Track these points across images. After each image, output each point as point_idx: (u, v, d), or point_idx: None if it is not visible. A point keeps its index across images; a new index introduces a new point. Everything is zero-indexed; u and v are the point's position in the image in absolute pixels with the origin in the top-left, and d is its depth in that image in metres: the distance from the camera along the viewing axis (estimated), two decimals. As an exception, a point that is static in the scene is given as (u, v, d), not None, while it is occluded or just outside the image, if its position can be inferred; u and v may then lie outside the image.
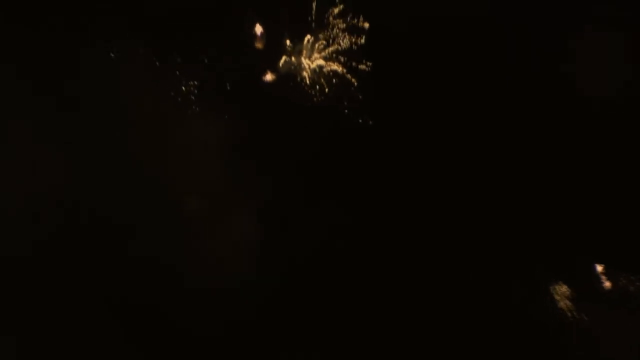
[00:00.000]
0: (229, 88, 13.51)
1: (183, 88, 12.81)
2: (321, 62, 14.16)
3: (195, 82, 12.83)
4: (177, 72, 12.65)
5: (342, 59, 14.13)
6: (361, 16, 13.88)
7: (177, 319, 11.34)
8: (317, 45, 14.10)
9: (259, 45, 13.58)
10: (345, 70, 14.13)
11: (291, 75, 14.06)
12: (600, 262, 13.41)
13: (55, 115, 11.08)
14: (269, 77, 13.90)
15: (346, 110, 14.16)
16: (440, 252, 13.34)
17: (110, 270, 11.19)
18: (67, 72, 11.35)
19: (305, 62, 14.08)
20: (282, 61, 13.99)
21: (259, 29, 13.54)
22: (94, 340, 10.69)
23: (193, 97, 12.92)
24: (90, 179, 11.31)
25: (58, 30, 11.25)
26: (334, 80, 14.18)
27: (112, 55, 11.78)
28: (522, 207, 13.73)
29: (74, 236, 11.13)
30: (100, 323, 10.82)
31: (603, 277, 13.36)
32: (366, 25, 13.90)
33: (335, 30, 14.00)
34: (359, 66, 14.07)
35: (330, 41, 14.10)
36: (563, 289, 13.43)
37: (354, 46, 14.02)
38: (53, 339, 10.53)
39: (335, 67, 14.16)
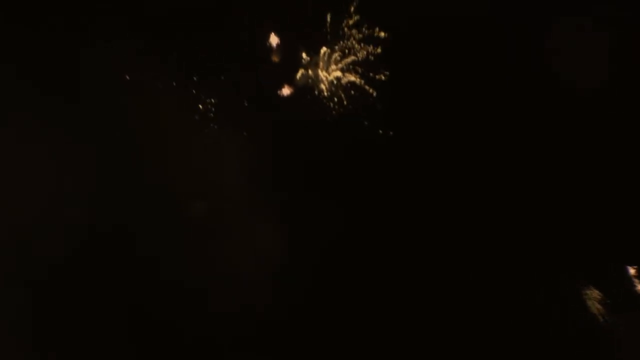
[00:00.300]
0: (246, 104, 12.54)
1: (200, 106, 11.82)
2: (338, 74, 13.55)
3: (213, 100, 11.90)
4: (194, 91, 11.78)
5: (359, 70, 13.59)
6: (377, 26, 13.51)
7: (180, 320, 11.31)
8: (333, 57, 13.51)
9: (275, 58, 12.80)
10: (363, 82, 13.57)
11: (308, 89, 13.34)
12: (632, 265, 13.26)
13: (57, 117, 10.72)
14: (286, 90, 13.04)
15: (366, 122, 13.49)
16: (466, 257, 12.95)
17: (121, 273, 11.11)
18: (68, 73, 11.02)
19: (322, 74, 13.42)
20: (298, 74, 13.23)
21: (274, 42, 12.78)
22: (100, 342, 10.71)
23: (211, 115, 11.93)
24: (101, 188, 11.16)
25: (58, 30, 10.85)
26: (352, 92, 13.55)
27: (128, 77, 11.40)
28: (547, 210, 13.48)
29: (88, 242, 10.97)
30: (107, 325, 10.85)
31: (636, 280, 13.20)
32: (382, 34, 13.53)
33: (351, 41, 13.50)
34: (377, 76, 13.56)
35: (347, 52, 13.57)
36: (595, 293, 13.12)
37: (370, 57, 13.55)
38: (60, 339, 10.51)
39: (353, 78, 13.57)
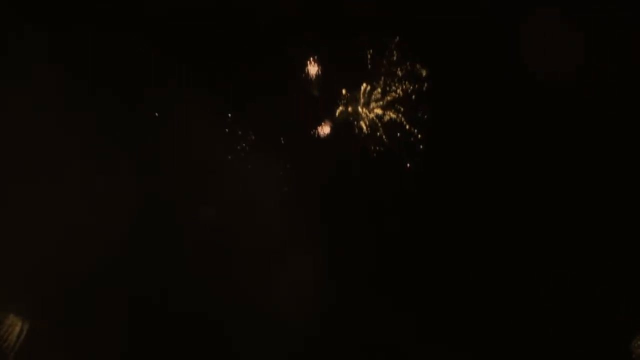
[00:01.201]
0: (283, 142, 11.91)
1: (237, 146, 11.24)
2: (379, 111, 12.93)
3: (251, 137, 11.32)
4: (227, 130, 11.24)
5: (400, 108, 12.98)
6: (418, 63, 12.95)
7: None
8: (374, 94, 12.91)
9: (314, 93, 12.22)
10: (404, 119, 12.94)
11: (349, 126, 12.72)
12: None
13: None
14: (326, 128, 12.41)
15: (408, 164, 12.81)
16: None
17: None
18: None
19: (362, 111, 12.79)
20: (338, 111, 12.63)
21: (314, 77, 12.24)
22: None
23: (245, 154, 11.33)
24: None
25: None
26: (393, 130, 12.92)
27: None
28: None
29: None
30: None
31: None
32: (424, 72, 12.97)
33: (392, 77, 12.94)
34: (419, 114, 12.95)
35: (388, 89, 12.98)
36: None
37: (413, 94, 12.95)
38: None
39: (393, 115, 12.94)
